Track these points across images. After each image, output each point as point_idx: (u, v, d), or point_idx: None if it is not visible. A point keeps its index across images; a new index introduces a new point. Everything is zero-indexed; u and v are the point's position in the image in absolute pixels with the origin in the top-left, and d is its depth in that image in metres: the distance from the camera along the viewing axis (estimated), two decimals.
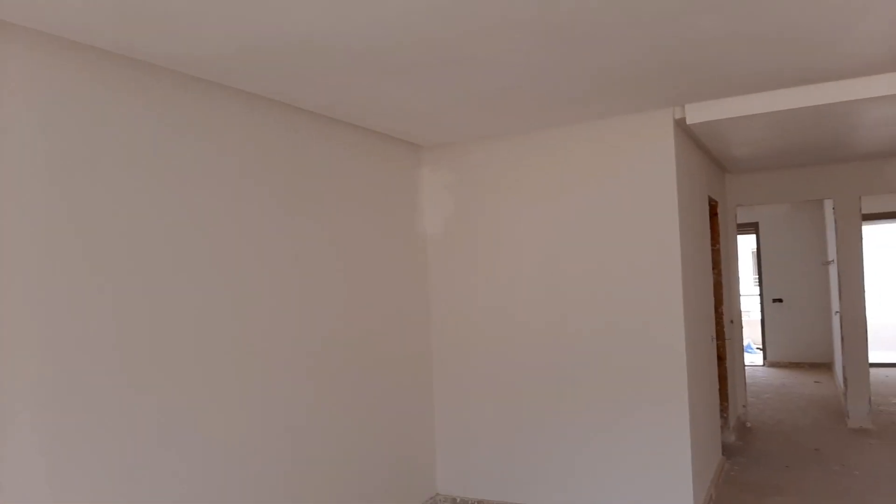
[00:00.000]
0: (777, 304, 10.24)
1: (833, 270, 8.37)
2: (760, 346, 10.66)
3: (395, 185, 4.56)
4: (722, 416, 5.94)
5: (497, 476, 4.63)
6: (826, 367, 9.77)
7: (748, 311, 12.86)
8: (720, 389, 5.84)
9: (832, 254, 8.26)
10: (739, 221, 9.45)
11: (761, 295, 10.43)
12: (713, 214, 5.99)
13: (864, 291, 6.41)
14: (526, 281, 4.56)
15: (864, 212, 6.91)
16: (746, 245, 11.24)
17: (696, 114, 4.11)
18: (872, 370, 6.90)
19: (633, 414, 4.22)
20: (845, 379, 6.50)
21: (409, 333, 4.61)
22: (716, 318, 5.82)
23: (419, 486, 4.65)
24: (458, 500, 4.73)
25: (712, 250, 5.92)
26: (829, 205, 8.50)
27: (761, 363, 10.41)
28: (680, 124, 4.26)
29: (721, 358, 5.97)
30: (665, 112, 4.18)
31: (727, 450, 5.72)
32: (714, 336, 5.43)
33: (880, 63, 3.50)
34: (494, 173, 4.66)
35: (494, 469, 4.64)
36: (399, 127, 4.27)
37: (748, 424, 6.69)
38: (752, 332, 11.30)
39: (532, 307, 4.53)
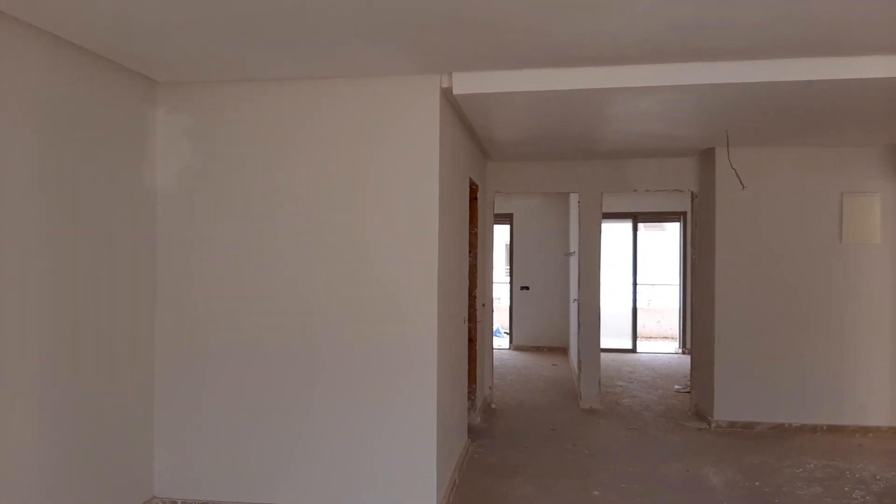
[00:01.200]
0: (524, 291, 10.84)
1: (573, 262, 9.00)
2: (508, 331, 11.23)
3: (118, 126, 3.74)
4: (469, 399, 5.96)
5: (226, 475, 4.05)
6: (562, 350, 10.56)
7: (499, 298, 13.58)
8: (469, 371, 5.85)
9: (574, 246, 8.87)
10: (497, 212, 9.80)
11: (511, 283, 10.97)
12: (473, 198, 5.96)
13: (600, 283, 6.87)
14: (271, 254, 4.03)
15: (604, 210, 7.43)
16: (502, 236, 11.80)
17: (464, 84, 3.91)
18: (601, 355, 7.47)
19: (382, 398, 3.93)
20: (580, 363, 6.93)
21: (126, 310, 3.83)
22: (469, 301, 5.80)
23: (131, 490, 3.90)
24: (179, 503, 4.07)
25: (470, 234, 5.89)
26: (574, 198, 9.11)
27: (507, 347, 10.96)
28: (447, 94, 4.05)
29: (472, 340, 5.99)
30: (432, 78, 3.93)
31: (473, 431, 5.74)
32: (466, 318, 5.38)
33: (637, 53, 3.56)
34: (245, 123, 4.05)
35: (223, 467, 4.06)
36: (123, 48, 3.47)
37: (493, 406, 6.86)
38: (501, 317, 11.89)
39: (278, 282, 4.02)
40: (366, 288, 3.96)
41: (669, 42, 3.39)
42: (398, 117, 3.95)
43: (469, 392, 5.93)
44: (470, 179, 5.55)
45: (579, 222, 6.92)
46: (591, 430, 6.08)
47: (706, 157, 6.40)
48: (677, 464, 5.08)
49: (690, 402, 6.88)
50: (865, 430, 5.93)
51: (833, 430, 5.96)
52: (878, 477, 4.77)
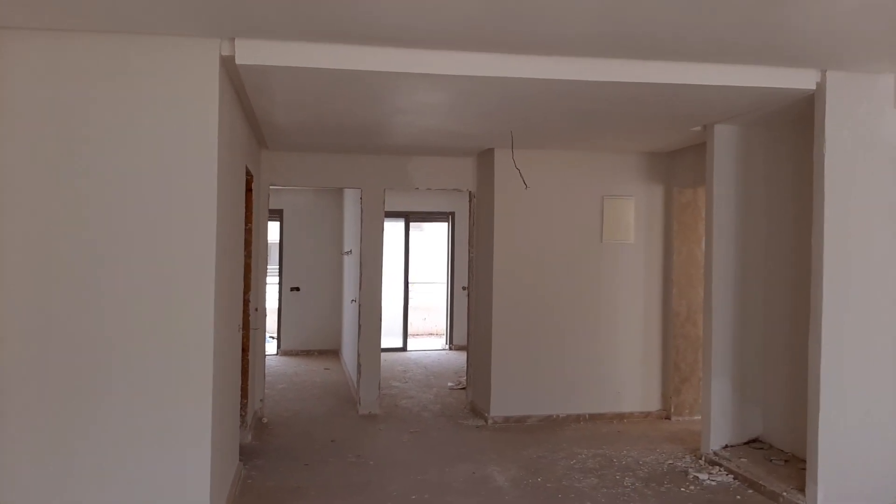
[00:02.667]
0: (294, 292, 10.26)
1: (348, 261, 8.67)
2: (276, 335, 10.54)
3: None
4: (241, 415, 5.32)
5: None
6: (334, 353, 10.17)
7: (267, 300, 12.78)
8: (241, 385, 5.22)
9: (349, 244, 8.54)
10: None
11: (280, 283, 10.32)
12: (248, 189, 5.34)
13: (382, 283, 6.63)
14: (16, 240, 3.11)
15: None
16: (272, 234, 11.10)
17: (249, 52, 3.36)
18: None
19: (143, 428, 3.23)
20: (359, 366, 6.62)
21: None
22: (243, 306, 5.17)
23: None
24: None
25: (245, 230, 5.26)
26: (349, 195, 8.78)
27: (275, 352, 10.29)
28: (227, 64, 3.45)
29: (245, 350, 5.35)
30: (211, 43, 3.32)
31: (244, 452, 5.11)
32: (241, 325, 4.76)
33: (429, 38, 3.34)
34: None
35: None
36: None
37: (264, 420, 6.25)
38: (269, 320, 11.13)
39: (22, 276, 3.10)
40: (131, 297, 3.22)
41: (473, 28, 3.21)
42: (170, 86, 3.28)
43: (241, 407, 5.29)
44: (246, 168, 4.93)
45: (361, 220, 6.60)
46: (374, 437, 5.80)
47: (485, 158, 6.47)
48: (463, 465, 4.99)
49: (466, 399, 6.93)
50: (622, 417, 6.43)
51: (594, 418, 6.37)
52: (640, 462, 5.14)
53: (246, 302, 5.32)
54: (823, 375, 3.97)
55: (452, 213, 10.71)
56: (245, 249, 5.25)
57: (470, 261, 7.00)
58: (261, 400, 6.39)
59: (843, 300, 3.98)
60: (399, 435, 5.85)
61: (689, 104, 4.43)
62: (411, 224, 11.22)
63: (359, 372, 6.63)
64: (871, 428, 4.03)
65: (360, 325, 6.60)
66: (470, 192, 6.83)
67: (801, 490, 4.15)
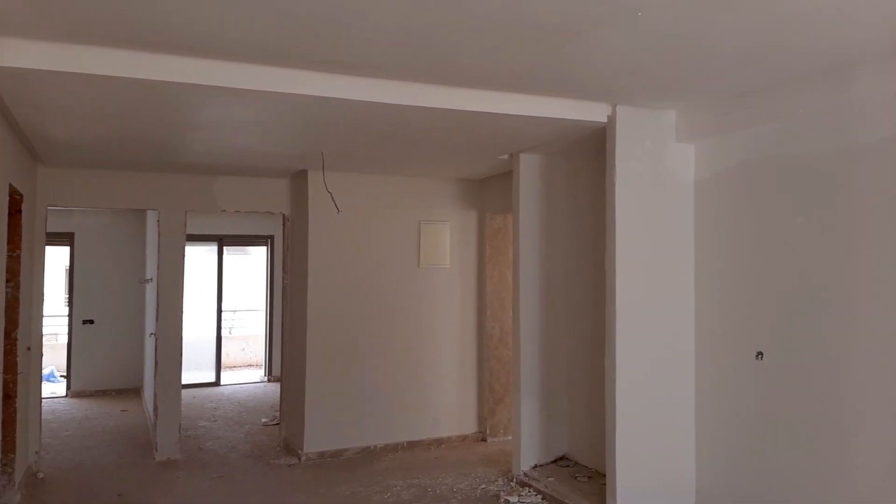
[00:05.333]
0: (88, 325, 9.19)
1: (150, 289, 7.92)
2: (65, 374, 9.37)
3: None
4: (6, 473, 4.56)
5: None
6: (135, 392, 9.22)
7: (56, 335, 11.37)
8: (5, 438, 4.48)
9: (151, 272, 7.80)
10: (52, 230, 8.10)
11: (71, 315, 9.20)
12: (15, 211, 4.64)
13: (182, 313, 6.09)
14: None
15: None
16: (60, 260, 9.90)
17: (6, 54, 2.87)
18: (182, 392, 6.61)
19: None
20: (156, 407, 6.00)
21: None
22: (7, 345, 4.46)
23: None
24: None
25: (10, 258, 4.56)
26: (153, 217, 8.05)
27: (64, 394, 9.13)
28: None
29: (9, 396, 4.61)
30: None
31: None
32: (2, 370, 4.08)
33: (220, 48, 3.08)
34: None
35: None
36: None
37: (40, 475, 5.43)
38: (58, 357, 9.91)
39: None
40: None
41: (270, 41, 3.00)
42: None
43: (5, 465, 4.54)
44: (10, 187, 4.28)
45: (158, 244, 6.03)
46: (169, 487, 5.24)
47: (298, 180, 6.21)
48: None
49: (280, 436, 6.54)
50: (440, 442, 6.39)
51: (413, 445, 6.27)
52: (454, 489, 5.09)
53: (12, 341, 4.59)
54: (619, 393, 4.16)
55: (272, 237, 10.24)
56: (9, 280, 4.54)
57: (284, 287, 6.66)
58: (36, 452, 5.58)
59: (635, 321, 4.22)
60: (199, 482, 5.34)
61: (493, 132, 4.51)
62: (230, 248, 10.60)
63: (156, 413, 6.00)
64: (665, 441, 4.27)
65: (156, 361, 5.99)
66: (283, 215, 6.52)
67: None
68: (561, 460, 5.39)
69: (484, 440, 6.49)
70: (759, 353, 3.89)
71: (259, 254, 11.92)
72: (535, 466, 5.24)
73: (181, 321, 6.07)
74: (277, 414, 7.23)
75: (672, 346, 4.32)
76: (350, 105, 3.72)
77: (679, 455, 4.31)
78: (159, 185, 6.01)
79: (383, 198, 6.29)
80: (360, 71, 3.48)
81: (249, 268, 13.47)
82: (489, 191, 6.58)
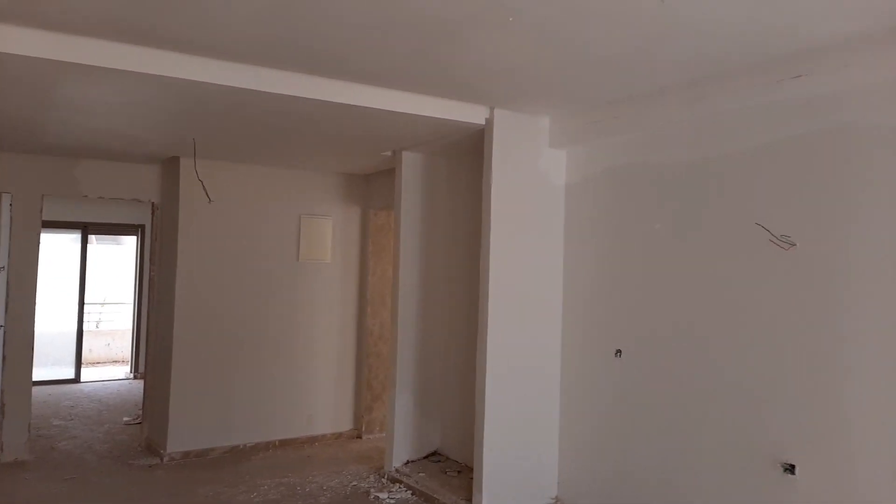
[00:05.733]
0: None
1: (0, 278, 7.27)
2: None
3: None
4: None
5: None
6: None
7: None
8: None
9: (2, 259, 7.16)
10: None
11: None
12: None
13: (35, 304, 5.64)
14: None
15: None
16: None
17: None
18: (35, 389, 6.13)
19: None
20: (3, 405, 5.51)
21: None
22: None
23: None
24: None
25: None
26: (6, 201, 7.40)
27: None
28: None
29: None
30: None
31: None
32: None
33: (94, 22, 2.89)
34: None
35: None
36: None
37: None
38: None
39: None
40: None
41: (134, 20, 2.84)
42: None
43: None
44: None
45: (10, 230, 5.55)
46: (16, 489, 4.84)
47: (170, 166, 5.91)
48: None
49: (141, 435, 6.19)
50: (313, 440, 6.28)
51: (285, 444, 6.13)
52: (324, 487, 5.02)
53: None
54: (488, 388, 4.26)
55: (142, 226, 9.68)
56: None
57: (151, 279, 6.32)
58: None
59: (505, 319, 4.33)
60: (49, 485, 4.96)
61: (374, 128, 4.50)
62: (99, 237, 9.92)
63: (2, 412, 5.52)
64: (531, 435, 4.41)
65: (3, 356, 5.51)
66: (153, 203, 6.19)
67: (469, 500, 4.39)
68: (433, 456, 5.45)
69: (359, 437, 6.45)
70: (618, 351, 4.11)
71: (132, 244, 11.26)
72: (408, 462, 5.27)
73: (34, 313, 5.62)
74: (141, 412, 6.85)
75: (540, 344, 4.47)
76: (222, 91, 3.59)
77: (544, 448, 4.47)
78: (13, 167, 5.53)
79: (262, 189, 6.11)
80: (234, 56, 3.37)
81: (121, 258, 12.68)
82: (374, 187, 6.55)
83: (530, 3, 2.61)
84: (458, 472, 5.05)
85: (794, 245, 3.19)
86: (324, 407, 6.40)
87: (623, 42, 3.03)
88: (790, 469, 3.18)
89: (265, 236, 6.11)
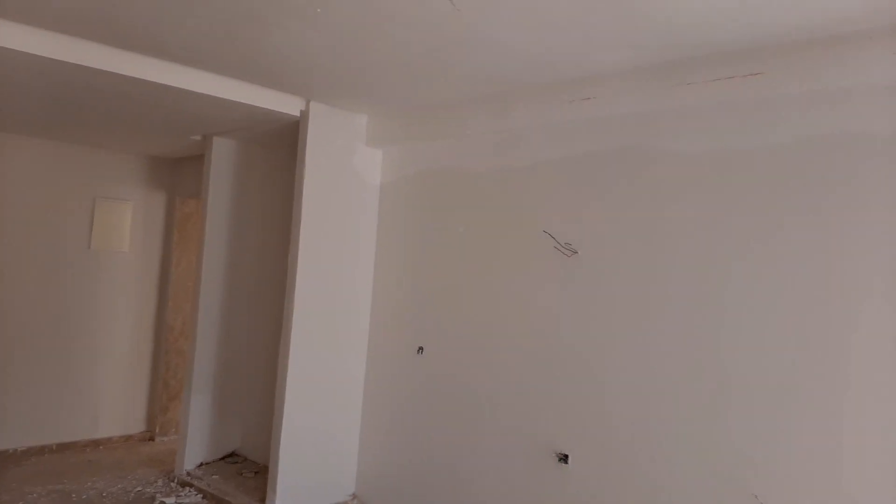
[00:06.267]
0: None
1: None
2: None
3: None
4: None
5: None
6: None
7: None
8: None
9: None
10: None
11: None
12: None
13: None
14: None
15: None
16: None
17: None
18: None
19: None
20: None
21: None
22: None
23: None
24: None
25: None
26: None
27: None
28: None
29: None
30: None
31: None
32: None
33: None
34: None
35: None
36: None
37: None
38: None
39: None
40: None
41: None
42: None
43: None
44: None
45: None
46: None
47: None
48: None
49: None
50: (97, 444, 5.76)
51: (64, 448, 5.56)
52: (105, 493, 4.62)
53: None
54: (289, 386, 4.16)
55: None
56: None
57: None
58: None
59: (312, 316, 4.26)
60: None
61: (181, 109, 4.23)
62: None
63: None
64: (331, 433, 4.37)
65: None
66: None
67: (263, 500, 4.26)
68: (231, 457, 5.23)
69: (152, 439, 6.01)
70: (420, 348, 4.20)
71: None
72: (202, 464, 5.01)
73: None
74: None
75: (346, 342, 4.46)
76: (6, 54, 3.19)
77: (344, 446, 4.46)
78: None
79: (48, 167, 5.50)
80: (15, 16, 3.01)
81: None
82: (182, 172, 6.17)
83: None
84: (256, 472, 4.88)
85: (576, 252, 3.47)
86: (111, 407, 5.89)
87: (424, 47, 3.11)
88: (564, 458, 3.44)
89: (51, 220, 5.52)
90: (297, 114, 4.24)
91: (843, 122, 2.71)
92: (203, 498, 4.54)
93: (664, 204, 3.20)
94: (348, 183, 4.46)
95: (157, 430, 6.03)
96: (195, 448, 4.97)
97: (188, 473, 4.86)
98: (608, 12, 2.59)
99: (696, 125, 3.12)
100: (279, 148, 5.20)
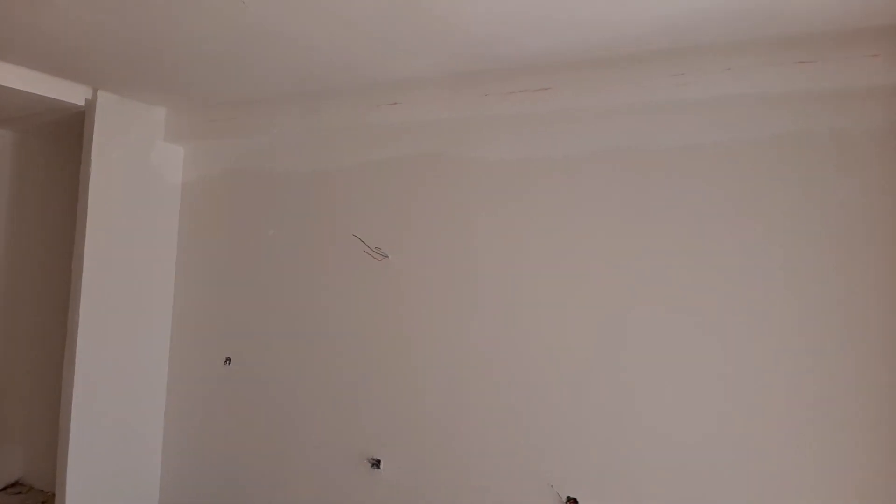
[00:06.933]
0: None
1: None
2: None
3: None
4: None
5: None
6: None
7: None
8: None
9: None
10: None
11: None
12: None
13: None
14: None
15: None
16: None
17: None
18: None
19: None
20: None
21: None
22: None
23: None
24: None
25: None
26: None
27: None
28: None
29: None
30: None
31: None
32: None
33: None
34: None
35: None
36: None
37: None
38: None
39: None
40: None
41: None
42: None
43: None
44: None
45: None
46: None
47: None
48: None
49: None
50: None
51: None
52: None
53: None
54: (76, 405, 3.75)
55: None
56: None
57: None
58: None
59: (102, 326, 3.88)
60: None
61: None
62: None
63: None
64: (129, 451, 4.02)
65: None
66: None
67: None
68: (14, 486, 4.65)
69: None
70: (228, 359, 3.98)
71: None
72: None
73: None
74: None
75: (143, 353, 4.12)
76: None
77: (145, 462, 4.12)
78: None
79: None
80: None
81: None
82: None
83: None
84: (43, 501, 4.38)
85: (387, 257, 3.45)
86: None
87: (219, 38, 2.91)
88: (376, 464, 3.42)
89: None
90: (83, 103, 3.82)
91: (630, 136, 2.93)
92: None
93: (469, 210, 3.28)
94: (144, 180, 4.11)
95: None
96: None
97: None
98: (407, 18, 2.58)
99: (497, 134, 3.22)
100: (64, 141, 4.67)
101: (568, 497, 2.92)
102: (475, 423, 3.19)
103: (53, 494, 4.42)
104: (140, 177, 4.08)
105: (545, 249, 3.07)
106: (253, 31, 2.78)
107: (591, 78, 2.90)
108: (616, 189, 2.92)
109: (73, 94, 3.76)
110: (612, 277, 2.91)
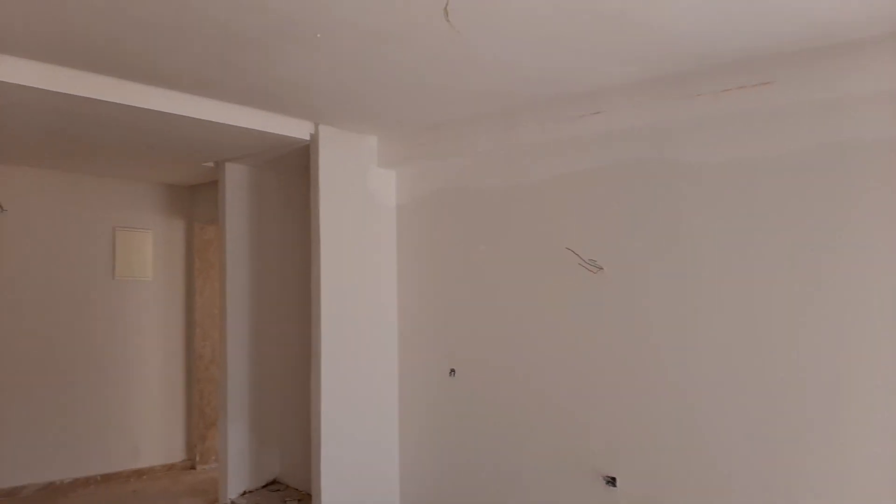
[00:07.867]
0: None
1: None
2: None
3: None
4: None
5: None
6: None
7: None
8: None
9: None
10: None
11: None
12: None
13: None
14: None
15: None
16: None
17: None
18: None
19: None
20: None
21: None
22: None
23: None
24: None
25: None
26: None
27: None
28: None
29: None
30: None
31: None
32: None
33: None
34: None
35: None
36: None
37: None
38: None
39: None
40: None
41: None
42: None
43: None
44: None
45: None
46: None
47: None
48: None
49: None
50: (140, 474, 5.79)
51: (108, 479, 5.61)
52: None
53: None
54: (324, 411, 4.09)
55: None
56: None
57: None
58: None
59: (340, 340, 4.17)
60: None
61: (189, 138, 4.14)
62: None
63: None
64: (370, 457, 4.31)
65: None
66: None
67: None
68: (273, 485, 5.20)
69: (193, 468, 6.03)
70: (452, 370, 4.10)
71: None
72: (245, 493, 4.98)
73: None
74: None
75: (376, 364, 4.38)
76: (9, 88, 3.11)
77: (383, 469, 4.40)
78: None
79: (67, 198, 5.49)
80: (18, 52, 2.92)
81: None
82: (199, 199, 6.11)
83: (329, 21, 2.50)
84: (299, 500, 4.84)
85: (601, 269, 3.33)
86: (151, 437, 5.91)
87: (424, 68, 3.01)
88: (612, 481, 3.32)
89: (74, 251, 5.51)
90: (307, 137, 4.12)
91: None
92: None
93: (685, 215, 3.07)
94: (364, 204, 4.36)
95: (197, 459, 6.04)
96: (237, 477, 4.94)
97: (232, 502, 4.84)
98: (607, 25, 2.51)
99: (711, 135, 2.98)
100: (292, 171, 5.09)
101: None
102: (717, 436, 2.97)
103: (307, 494, 4.88)
104: (360, 201, 4.33)
105: (778, 253, 2.81)
106: (458, 55, 2.84)
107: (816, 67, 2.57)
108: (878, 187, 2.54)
109: (298, 129, 4.08)
110: (864, 286, 2.56)
